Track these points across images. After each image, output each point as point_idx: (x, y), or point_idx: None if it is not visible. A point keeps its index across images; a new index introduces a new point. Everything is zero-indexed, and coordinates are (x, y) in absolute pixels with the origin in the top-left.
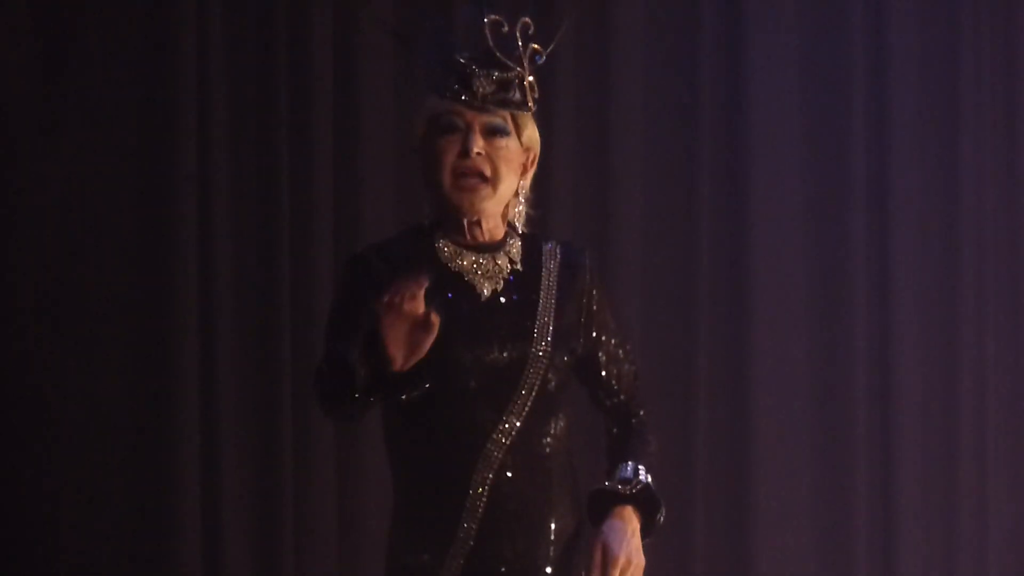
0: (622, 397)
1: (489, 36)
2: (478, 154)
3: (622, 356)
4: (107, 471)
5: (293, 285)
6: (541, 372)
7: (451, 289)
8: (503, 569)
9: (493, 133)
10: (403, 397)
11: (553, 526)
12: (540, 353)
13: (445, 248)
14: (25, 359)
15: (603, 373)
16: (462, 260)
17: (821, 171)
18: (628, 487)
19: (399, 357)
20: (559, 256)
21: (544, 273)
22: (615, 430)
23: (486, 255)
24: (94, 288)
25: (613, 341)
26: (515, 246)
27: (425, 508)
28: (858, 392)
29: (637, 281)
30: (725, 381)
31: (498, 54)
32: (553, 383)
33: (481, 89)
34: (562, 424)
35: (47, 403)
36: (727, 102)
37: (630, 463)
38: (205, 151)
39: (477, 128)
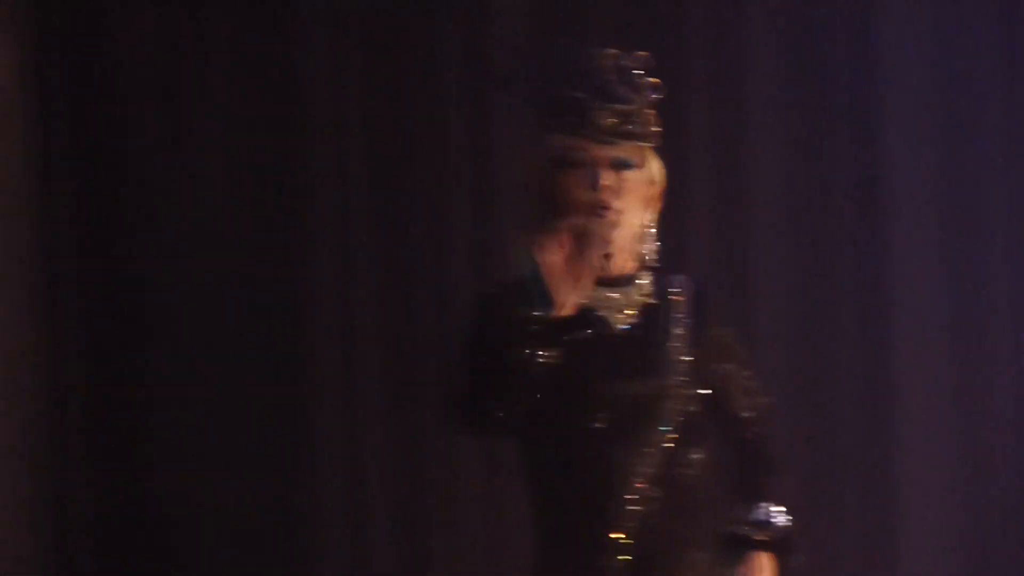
0: (755, 431)
1: (608, 70)
2: (606, 187)
3: (754, 390)
4: (249, 472)
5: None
6: (677, 405)
7: (585, 324)
8: None
9: (620, 167)
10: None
11: (693, 558)
12: (675, 386)
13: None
14: (168, 366)
15: (735, 407)
16: (592, 296)
17: (955, 168)
18: (764, 532)
19: (566, 293)
20: (689, 290)
21: (674, 307)
22: (747, 465)
23: (616, 289)
24: (236, 292)
25: (744, 375)
26: (645, 280)
27: (570, 544)
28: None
29: (777, 305)
30: (867, 402)
31: (618, 87)
32: (689, 416)
33: (603, 122)
34: (701, 456)
35: (189, 408)
36: (863, 126)
37: (764, 505)
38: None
39: (603, 162)
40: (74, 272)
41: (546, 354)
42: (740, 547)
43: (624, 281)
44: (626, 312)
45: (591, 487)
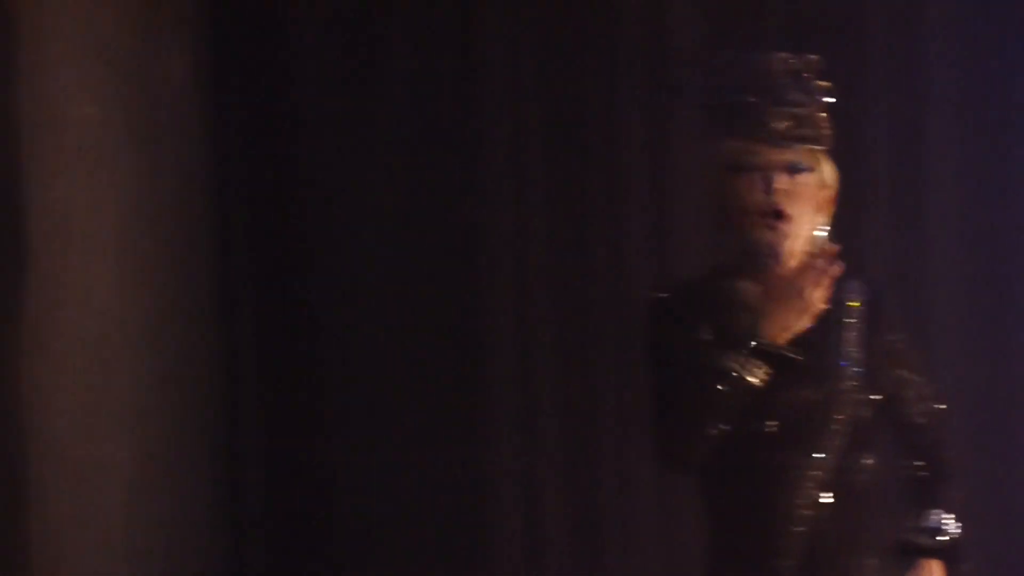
0: (930, 437)
1: (781, 73)
2: (779, 191)
3: (929, 395)
4: (426, 495)
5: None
6: (850, 409)
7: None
8: None
9: (793, 170)
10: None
11: (863, 563)
12: (847, 392)
13: (746, 290)
14: (345, 369)
15: (910, 412)
16: None
17: None
18: (935, 540)
19: (787, 324)
20: (863, 295)
21: (848, 312)
22: (920, 472)
23: None
24: (411, 294)
25: (919, 380)
26: None
27: (742, 547)
28: None
29: (953, 312)
30: None
31: (791, 91)
32: (862, 420)
33: (777, 126)
34: (873, 460)
35: (366, 412)
36: None
37: (936, 512)
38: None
39: (776, 166)
40: (249, 276)
41: (754, 378)
42: (911, 554)
43: None
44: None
45: (763, 492)
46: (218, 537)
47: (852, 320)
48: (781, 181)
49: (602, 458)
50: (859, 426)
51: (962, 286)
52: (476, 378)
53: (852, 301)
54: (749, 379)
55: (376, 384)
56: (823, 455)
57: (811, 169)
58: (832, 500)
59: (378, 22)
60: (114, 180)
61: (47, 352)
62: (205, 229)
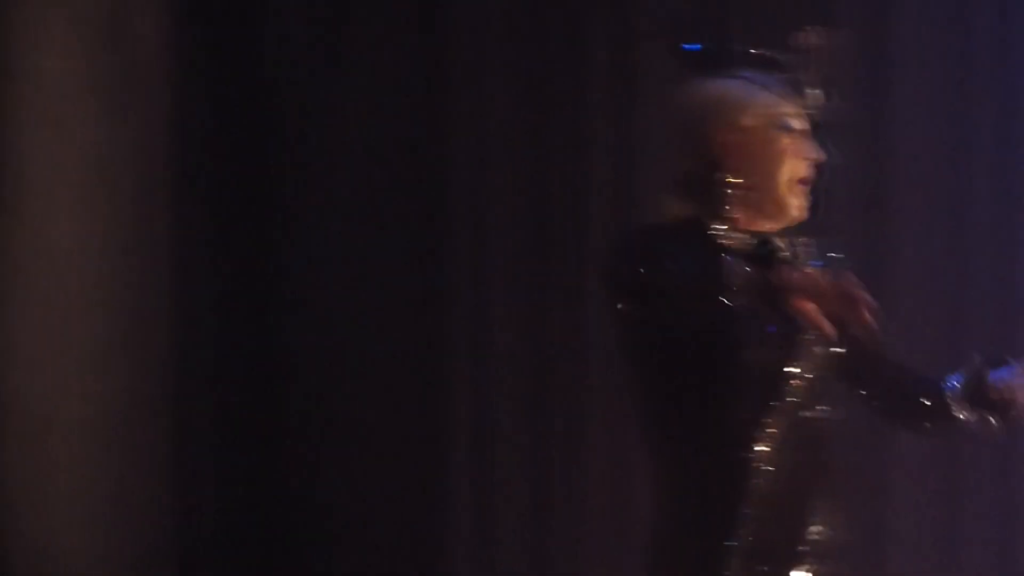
0: (897, 368)
1: (814, 45)
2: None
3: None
4: (379, 470)
5: (564, 283)
6: (813, 358)
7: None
8: (776, 552)
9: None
10: None
11: (820, 507)
12: (808, 344)
13: (721, 231)
14: (299, 360)
15: (873, 353)
16: (745, 248)
17: None
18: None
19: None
20: (812, 250)
21: (803, 262)
22: (917, 384)
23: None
24: (367, 286)
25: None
26: (779, 235)
27: (704, 496)
28: None
29: (909, 281)
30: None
31: (820, 64)
32: (823, 370)
33: (819, 100)
34: (829, 414)
35: (323, 401)
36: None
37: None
38: (481, 148)
39: (808, 136)
40: (209, 237)
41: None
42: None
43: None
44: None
45: (725, 440)
46: (168, 494)
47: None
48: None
49: (555, 459)
50: (818, 376)
51: (923, 247)
52: (432, 362)
53: (812, 262)
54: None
55: (332, 348)
56: (782, 402)
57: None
58: (790, 446)
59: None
60: (76, 135)
61: (5, 308)
62: (166, 188)
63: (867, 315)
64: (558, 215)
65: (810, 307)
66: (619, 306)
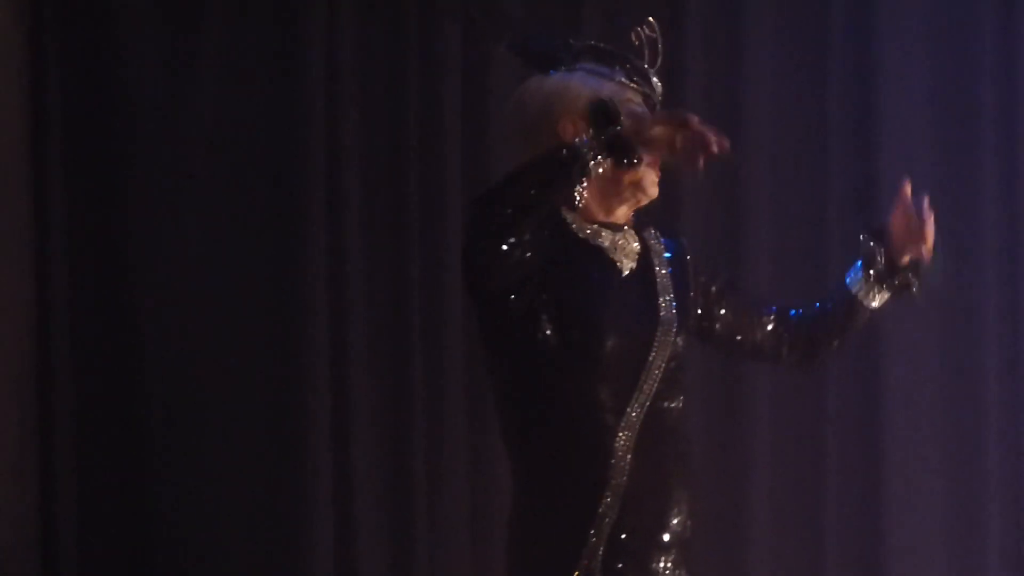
0: (772, 307)
1: (648, 38)
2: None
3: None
4: (240, 468)
5: (422, 280)
6: (669, 348)
7: (594, 265)
8: (638, 542)
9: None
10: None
11: (680, 496)
12: (669, 329)
13: (574, 223)
14: (157, 370)
15: (743, 301)
16: (601, 238)
17: (952, 174)
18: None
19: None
20: (661, 239)
21: (655, 254)
22: (801, 313)
23: (619, 234)
24: (226, 284)
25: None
26: (630, 228)
27: (564, 486)
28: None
29: (766, 276)
30: (856, 374)
31: (655, 56)
32: (678, 361)
33: (659, 87)
34: (683, 404)
35: (181, 400)
36: (857, 105)
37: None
38: (335, 143)
39: None
40: (65, 224)
41: (601, 162)
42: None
43: (619, 227)
44: (631, 256)
45: (589, 425)
46: (31, 488)
47: (660, 261)
48: None
49: (414, 454)
50: (678, 364)
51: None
52: (291, 357)
53: (654, 244)
54: (591, 165)
55: (191, 343)
56: (649, 388)
57: None
58: (656, 435)
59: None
60: None
61: None
62: (26, 177)
63: (714, 144)
64: (414, 209)
65: (668, 139)
66: (482, 290)
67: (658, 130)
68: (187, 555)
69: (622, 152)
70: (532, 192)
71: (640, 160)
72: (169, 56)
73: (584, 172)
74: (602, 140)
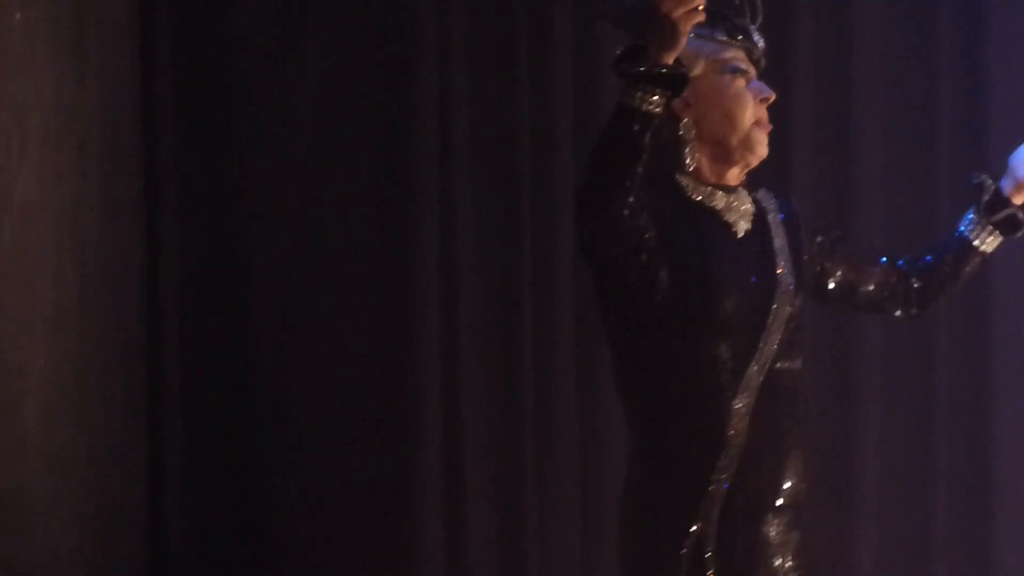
0: (883, 257)
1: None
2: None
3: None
4: (350, 462)
5: (535, 270)
6: (788, 308)
7: (709, 227)
8: (752, 504)
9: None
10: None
11: (797, 456)
12: (787, 289)
13: (688, 186)
14: (265, 354)
15: (855, 253)
16: (715, 200)
17: None
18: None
19: (674, 39)
20: (774, 201)
21: (770, 215)
22: (912, 262)
23: (733, 195)
24: (334, 276)
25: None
26: (744, 190)
27: (681, 448)
28: None
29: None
30: (966, 363)
31: (755, 12)
32: (796, 321)
33: (760, 43)
34: (800, 366)
35: (290, 397)
36: (968, 89)
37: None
38: (446, 134)
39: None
40: (176, 183)
41: (654, 100)
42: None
43: (735, 189)
44: (747, 217)
45: (703, 391)
46: (135, 444)
47: (776, 222)
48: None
49: (523, 437)
50: (797, 324)
51: (889, 221)
52: (402, 349)
53: (768, 206)
54: (647, 108)
55: (297, 325)
56: (769, 349)
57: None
58: (775, 395)
59: None
60: (39, 86)
61: None
62: (131, 136)
63: None
64: (526, 199)
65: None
66: (596, 255)
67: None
68: (293, 546)
69: (664, 78)
70: (621, 153)
71: (686, 76)
72: (277, 49)
73: (646, 121)
74: (636, 79)
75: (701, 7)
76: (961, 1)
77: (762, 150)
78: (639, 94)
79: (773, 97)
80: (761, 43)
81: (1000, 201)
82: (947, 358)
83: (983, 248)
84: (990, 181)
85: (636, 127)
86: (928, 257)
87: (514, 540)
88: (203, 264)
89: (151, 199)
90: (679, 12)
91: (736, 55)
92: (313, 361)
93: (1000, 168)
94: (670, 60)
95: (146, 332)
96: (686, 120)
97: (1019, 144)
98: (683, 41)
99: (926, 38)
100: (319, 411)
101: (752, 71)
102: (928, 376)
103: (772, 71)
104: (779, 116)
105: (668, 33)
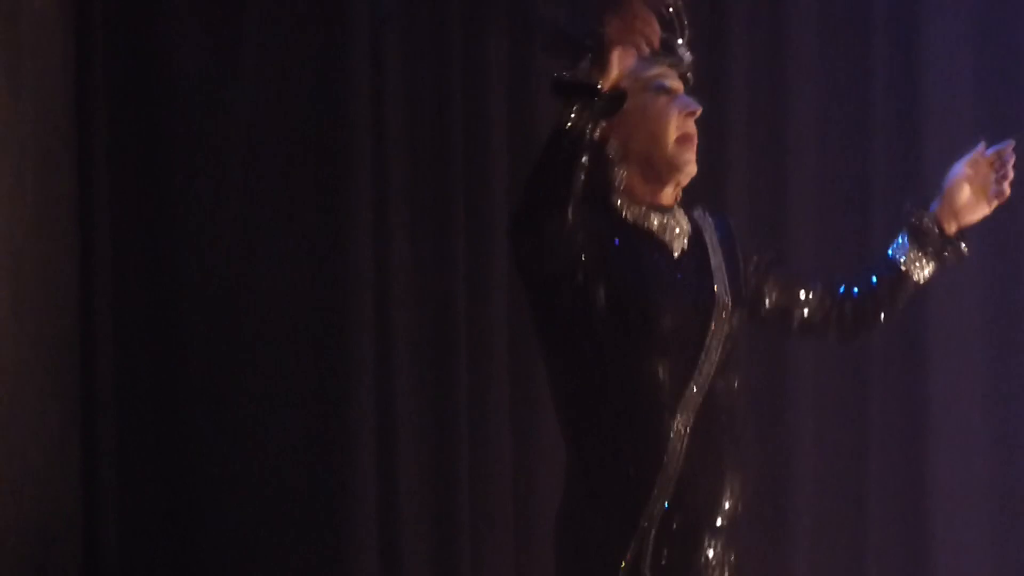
0: (818, 282)
1: (677, 10)
2: (696, 114)
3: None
4: (285, 474)
5: (468, 276)
6: (726, 327)
7: (645, 247)
8: (691, 525)
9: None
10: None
11: (733, 478)
12: (725, 308)
13: (623, 206)
14: (201, 365)
15: (790, 276)
16: (650, 220)
17: None
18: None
19: (615, 65)
20: (710, 220)
21: (706, 234)
22: (847, 288)
23: (667, 216)
24: (269, 286)
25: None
26: (680, 209)
27: (619, 468)
28: None
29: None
30: (900, 380)
31: (682, 28)
32: (734, 341)
33: (686, 58)
34: (738, 385)
35: (227, 408)
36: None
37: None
38: (380, 139)
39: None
40: (109, 200)
41: (589, 119)
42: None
43: (669, 209)
44: (681, 238)
45: (642, 411)
46: (70, 460)
47: (712, 242)
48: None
49: (458, 455)
50: (734, 343)
51: (821, 238)
52: (336, 351)
53: (704, 225)
54: (581, 127)
55: (230, 336)
56: (707, 369)
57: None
58: (711, 414)
59: None
60: None
61: None
62: (65, 150)
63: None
64: (459, 207)
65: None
66: (531, 272)
67: (612, 29)
68: (228, 554)
69: (601, 98)
70: (557, 174)
71: (623, 96)
72: (212, 50)
73: (581, 141)
74: (573, 99)
75: (655, 39)
76: (896, 9)
77: (690, 168)
78: (572, 115)
79: (699, 111)
80: (688, 58)
81: (932, 230)
82: (880, 374)
83: (916, 279)
84: (924, 213)
85: (572, 148)
86: (864, 281)
87: (447, 552)
88: (137, 277)
89: (85, 212)
90: (629, 42)
91: (662, 71)
92: (249, 373)
93: (935, 177)
94: (607, 84)
95: (80, 345)
96: (612, 140)
97: (953, 153)
98: (626, 67)
99: (861, 46)
100: (255, 424)
101: (679, 86)
102: (861, 391)
103: (704, 85)
104: (712, 130)
105: (612, 61)
